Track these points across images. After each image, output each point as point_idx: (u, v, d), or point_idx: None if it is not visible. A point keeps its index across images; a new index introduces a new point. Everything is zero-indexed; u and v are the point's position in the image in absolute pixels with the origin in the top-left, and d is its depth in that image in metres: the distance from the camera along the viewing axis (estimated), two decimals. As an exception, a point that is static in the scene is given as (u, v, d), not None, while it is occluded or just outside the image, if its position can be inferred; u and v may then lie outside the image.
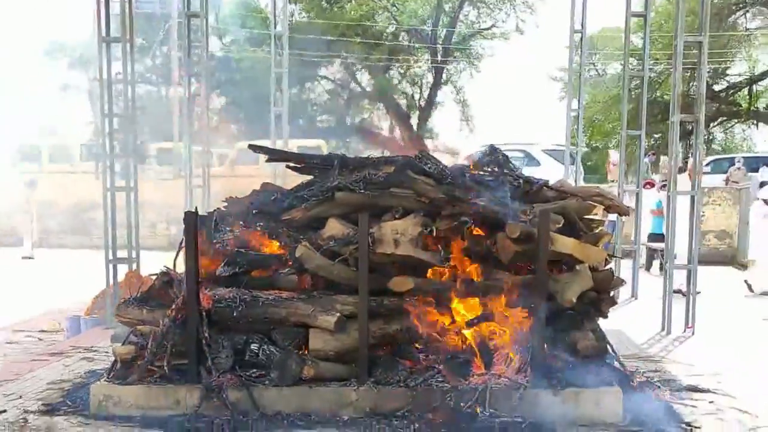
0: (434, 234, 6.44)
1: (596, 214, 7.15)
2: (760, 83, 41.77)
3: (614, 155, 25.31)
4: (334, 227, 6.66)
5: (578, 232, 6.62)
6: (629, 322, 9.96)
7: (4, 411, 6.36)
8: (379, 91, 40.21)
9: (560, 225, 6.44)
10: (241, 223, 6.97)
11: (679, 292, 10.80)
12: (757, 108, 41.67)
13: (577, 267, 6.40)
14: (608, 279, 6.65)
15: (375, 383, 6.14)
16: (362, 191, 6.67)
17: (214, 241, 6.78)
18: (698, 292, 10.54)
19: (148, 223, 20.48)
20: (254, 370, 6.25)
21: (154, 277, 7.12)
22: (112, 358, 6.72)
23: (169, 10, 28.79)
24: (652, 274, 16.06)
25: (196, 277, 6.31)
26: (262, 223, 6.93)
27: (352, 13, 38.46)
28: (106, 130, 10.38)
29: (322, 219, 6.83)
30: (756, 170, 27.50)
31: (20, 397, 6.78)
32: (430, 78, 42.53)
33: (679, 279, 10.48)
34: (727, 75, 41.49)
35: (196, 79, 13.18)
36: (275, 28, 16.30)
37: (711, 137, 42.92)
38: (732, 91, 41.55)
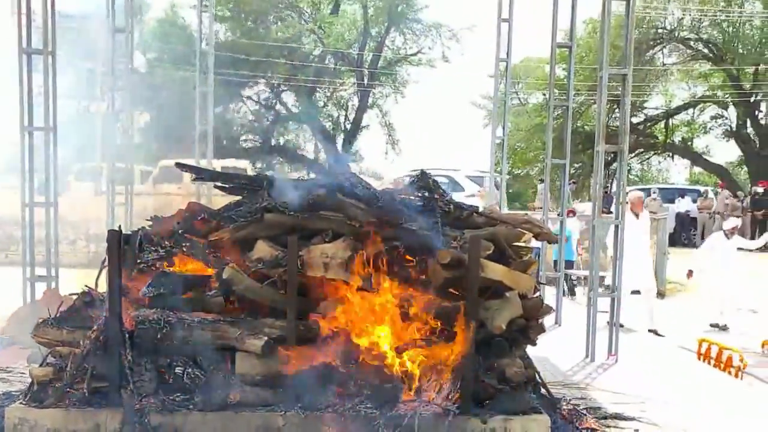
0: (364, 258, 6.38)
1: (525, 242, 7.19)
2: (675, 117, 43.11)
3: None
4: (263, 249, 6.57)
5: (508, 259, 6.65)
6: (554, 349, 10.04)
7: None
8: (305, 113, 40.14)
9: (490, 252, 6.46)
10: (166, 242, 6.81)
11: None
12: (673, 141, 42.98)
13: (507, 294, 6.41)
14: (537, 306, 6.68)
15: (302, 409, 6.04)
16: (291, 213, 6.59)
17: (139, 260, 6.61)
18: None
19: (68, 240, 20.01)
20: (178, 394, 6.09)
21: (74, 297, 6.92)
22: (29, 380, 6.49)
23: (94, 25, 28.31)
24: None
25: (118, 297, 6.14)
26: (188, 244, 6.78)
27: (279, 34, 38.40)
28: (25, 143, 10.11)
29: (250, 240, 6.72)
30: (672, 201, 28.29)
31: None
32: (356, 101, 42.68)
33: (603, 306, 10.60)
34: (645, 108, 42.66)
35: (119, 95, 12.94)
36: (201, 46, 16.16)
37: (629, 168, 44.03)
38: (649, 123, 42.75)
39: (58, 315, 6.67)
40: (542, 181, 29.62)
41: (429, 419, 5.94)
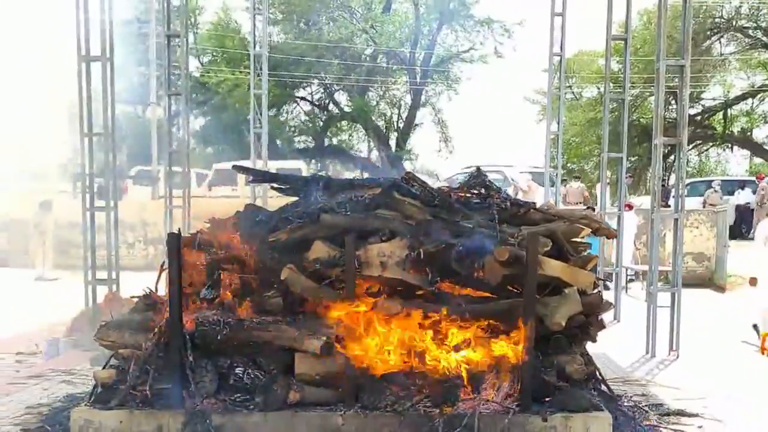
0: (421, 256, 6.35)
1: (583, 238, 7.11)
2: (734, 107, 42.30)
3: (522, 180, 23.71)
4: (320, 249, 6.58)
5: (566, 255, 6.58)
6: (613, 345, 9.91)
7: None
8: (358, 113, 40.22)
9: (548, 248, 6.39)
10: (225, 245, 6.85)
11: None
12: (732, 132, 42.17)
13: (566, 290, 6.33)
14: (597, 302, 6.60)
15: (362, 408, 6.04)
16: (348, 213, 6.59)
17: (198, 263, 6.67)
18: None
19: (126, 243, 20.29)
20: (239, 395, 6.14)
21: (135, 299, 7.01)
22: (92, 382, 6.60)
23: (148, 30, 28.72)
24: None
25: (179, 299, 6.20)
26: (246, 245, 6.82)
27: (331, 35, 38.55)
28: (85, 149, 10.27)
29: (307, 241, 6.74)
30: (732, 193, 27.78)
31: (-3, 422, 6.65)
32: (408, 99, 42.66)
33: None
34: (702, 99, 41.94)
35: (175, 100, 13.08)
36: (254, 48, 16.28)
37: (687, 160, 43.36)
38: (707, 114, 42.01)
39: (119, 317, 6.77)
40: (577, 177, 29.30)
41: (489, 417, 5.91)
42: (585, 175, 43.43)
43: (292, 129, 43.42)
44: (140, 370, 6.16)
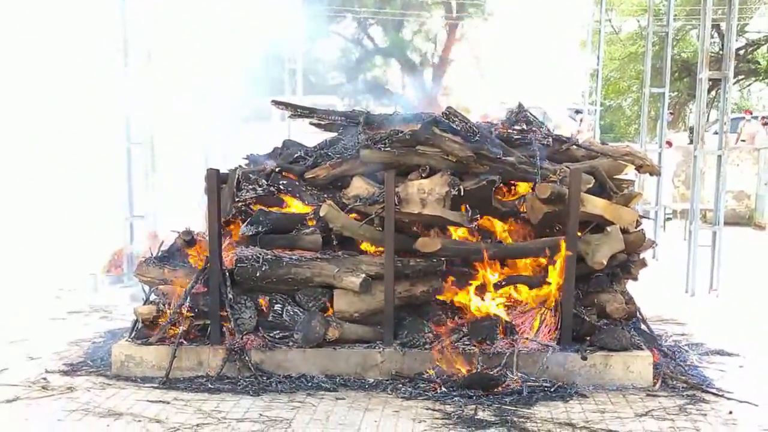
0: (461, 193, 6.24)
1: (626, 174, 6.95)
2: (779, 41, 41.16)
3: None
4: (359, 186, 6.51)
5: (609, 193, 6.46)
6: (652, 283, 9.79)
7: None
8: (392, 48, 39.74)
9: (591, 185, 6.27)
10: (263, 180, 6.79)
11: None
12: (776, 66, 41.12)
13: (608, 228, 6.22)
14: (639, 241, 6.48)
15: (401, 345, 6.04)
16: (388, 149, 6.48)
17: (237, 199, 6.62)
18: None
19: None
20: (278, 332, 6.15)
21: (175, 235, 6.99)
22: (131, 318, 6.63)
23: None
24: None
25: (218, 236, 6.19)
26: (285, 182, 6.76)
27: (364, -33, 37.97)
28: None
29: (346, 177, 6.67)
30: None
31: (39, 356, 6.71)
32: (444, 34, 42.05)
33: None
34: (746, 32, 40.81)
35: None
36: (288, -18, 16.03)
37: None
38: (750, 48, 40.94)
39: (159, 254, 6.76)
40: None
41: (528, 356, 5.88)
42: (623, 111, 42.82)
43: (326, 64, 43.05)
44: (180, 307, 6.18)
